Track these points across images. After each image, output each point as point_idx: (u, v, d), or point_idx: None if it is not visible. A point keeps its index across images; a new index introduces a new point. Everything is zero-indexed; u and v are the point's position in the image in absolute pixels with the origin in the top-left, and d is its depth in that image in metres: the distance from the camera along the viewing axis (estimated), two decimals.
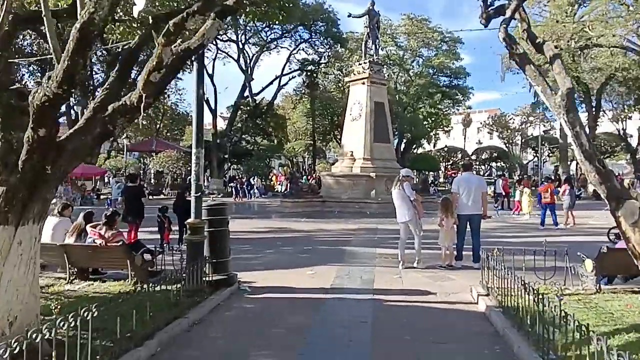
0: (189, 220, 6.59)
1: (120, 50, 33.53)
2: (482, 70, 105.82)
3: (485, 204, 8.64)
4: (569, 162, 47.48)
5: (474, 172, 9.30)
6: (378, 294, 6.67)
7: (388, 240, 11.84)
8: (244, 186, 32.01)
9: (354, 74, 23.84)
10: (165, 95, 47.18)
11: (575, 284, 6.51)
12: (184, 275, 5.87)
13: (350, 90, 24.58)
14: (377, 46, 24.72)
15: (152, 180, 37.92)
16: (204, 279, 6.34)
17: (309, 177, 35.59)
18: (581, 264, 6.51)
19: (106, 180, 34.74)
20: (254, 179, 35.13)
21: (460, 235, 8.51)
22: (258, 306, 6.13)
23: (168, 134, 57.81)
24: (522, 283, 4.97)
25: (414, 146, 52.53)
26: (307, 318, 5.65)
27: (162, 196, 35.30)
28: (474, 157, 61.23)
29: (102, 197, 28.37)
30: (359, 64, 23.86)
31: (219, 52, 38.90)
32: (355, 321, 5.49)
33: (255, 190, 32.14)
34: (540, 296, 4.42)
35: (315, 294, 6.68)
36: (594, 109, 36.55)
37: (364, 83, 22.93)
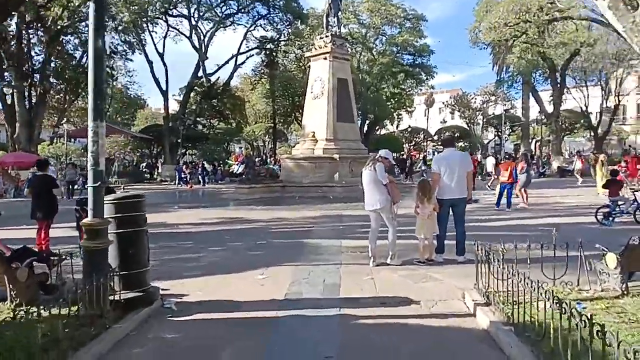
0: (84, 221, 4.83)
1: (58, 28, 30.48)
2: (444, 51, 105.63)
3: (470, 185, 7.24)
4: (530, 140, 47.57)
5: (456, 148, 7.67)
6: (346, 306, 5.13)
7: (355, 229, 10.40)
8: (197, 172, 30.06)
9: (315, 49, 22.05)
10: (114, 78, 44.13)
11: (591, 280, 5.19)
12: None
13: (311, 67, 22.82)
14: (339, 20, 23.01)
15: None
16: (109, 298, 4.63)
17: (275, 161, 33.66)
18: (600, 260, 5.18)
19: None
20: (204, 164, 33.05)
21: (441, 224, 7.08)
22: (183, 335, 4.47)
23: (118, 119, 54.55)
24: (539, 289, 3.59)
25: (377, 127, 51.39)
26: (250, 354, 4.06)
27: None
28: (436, 137, 60.81)
29: None
30: (320, 38, 22.08)
31: (170, 29, 36.17)
32: (317, 356, 3.94)
33: (199, 176, 30.34)
34: (565, 307, 3.06)
35: (264, 309, 5.08)
36: (558, 85, 36.11)
37: (325, 58, 21.20)
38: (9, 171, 25.96)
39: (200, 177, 30.06)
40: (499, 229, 9.93)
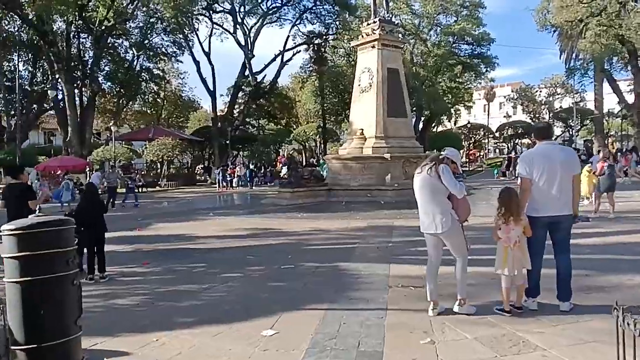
0: None
1: (103, 29, 30.06)
2: (503, 46, 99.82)
3: (577, 195, 4.92)
4: (604, 135, 42.80)
5: (556, 141, 5.28)
6: None
7: (407, 247, 8.31)
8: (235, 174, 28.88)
9: (362, 36, 19.95)
10: (166, 80, 44.06)
11: None
12: None
13: (358, 57, 20.72)
14: (388, 3, 20.79)
15: (145, 171, 34.74)
16: None
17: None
18: None
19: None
20: (248, 165, 31.68)
21: (535, 254, 4.81)
22: None
23: (173, 122, 54.79)
24: None
25: (433, 124, 48.32)
26: None
27: (157, 188, 32.22)
28: (497, 134, 56.68)
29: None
30: (367, 24, 19.95)
31: (215, 26, 35.21)
32: None
33: (230, 178, 28.98)
34: None
35: None
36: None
37: (373, 46, 19.08)
38: (55, 175, 25.72)
39: (241, 179, 28.79)
40: (594, 249, 7.49)
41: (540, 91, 60.66)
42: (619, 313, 2.76)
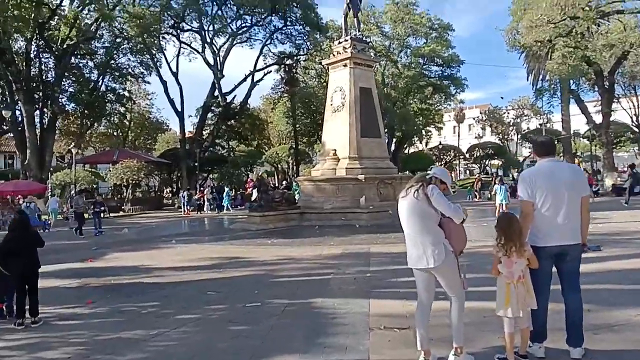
0: None
1: (65, 47, 28.75)
2: (471, 65, 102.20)
3: (586, 220, 4.24)
4: (573, 155, 43.46)
5: (560, 159, 4.59)
6: None
7: (386, 276, 7.57)
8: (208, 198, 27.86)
9: (334, 55, 19.48)
10: (133, 101, 42.76)
11: None
12: None
13: (330, 76, 20.23)
14: (359, 21, 20.45)
15: (110, 195, 33.15)
16: None
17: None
18: None
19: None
20: (212, 189, 30.61)
21: (541, 291, 4.09)
22: None
23: (140, 144, 53.22)
24: None
25: (405, 145, 48.35)
26: None
27: (121, 213, 30.68)
28: (467, 155, 57.17)
29: (42, 217, 23.47)
30: (339, 43, 19.52)
31: (183, 45, 34.38)
32: None
33: (195, 202, 27.91)
34: None
35: None
36: (606, 93, 32.48)
37: (345, 65, 18.63)
38: (10, 200, 24.08)
39: (211, 203, 27.73)
40: (588, 277, 6.87)
41: (508, 113, 61.90)
42: None
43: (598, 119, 33.17)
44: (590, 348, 4.13)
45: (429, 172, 4.34)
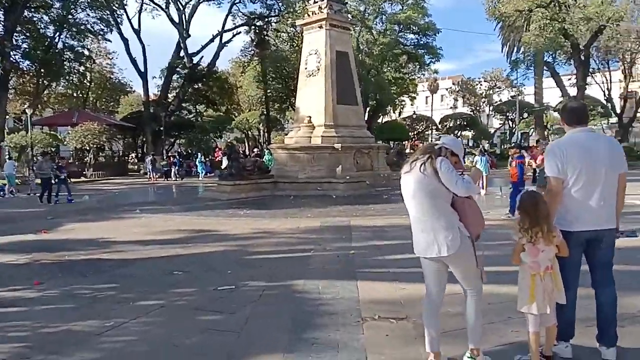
0: None
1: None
2: (444, 39, 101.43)
3: (621, 201, 3.64)
4: (544, 127, 43.74)
5: (592, 129, 3.90)
6: None
7: (373, 254, 6.95)
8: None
9: (308, 15, 18.37)
10: (92, 60, 40.31)
11: None
12: None
13: (304, 38, 19.14)
14: None
15: (71, 160, 31.34)
16: None
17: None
18: None
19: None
20: (177, 156, 29.50)
21: (570, 282, 3.50)
22: None
23: (101, 106, 50.67)
24: None
25: (380, 114, 47.67)
26: None
27: (82, 179, 29.07)
28: (440, 125, 57.00)
29: None
30: (314, 2, 18.35)
31: (145, 0, 32.17)
32: None
33: (161, 168, 26.82)
34: None
35: None
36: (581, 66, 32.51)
37: (321, 26, 17.59)
38: None
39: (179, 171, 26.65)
40: None
41: (481, 84, 61.83)
42: None
43: (572, 92, 33.27)
44: (617, 344, 3.59)
45: (437, 141, 3.63)
